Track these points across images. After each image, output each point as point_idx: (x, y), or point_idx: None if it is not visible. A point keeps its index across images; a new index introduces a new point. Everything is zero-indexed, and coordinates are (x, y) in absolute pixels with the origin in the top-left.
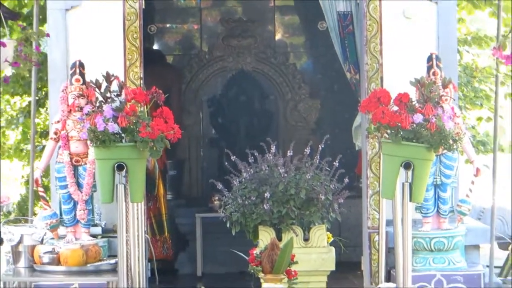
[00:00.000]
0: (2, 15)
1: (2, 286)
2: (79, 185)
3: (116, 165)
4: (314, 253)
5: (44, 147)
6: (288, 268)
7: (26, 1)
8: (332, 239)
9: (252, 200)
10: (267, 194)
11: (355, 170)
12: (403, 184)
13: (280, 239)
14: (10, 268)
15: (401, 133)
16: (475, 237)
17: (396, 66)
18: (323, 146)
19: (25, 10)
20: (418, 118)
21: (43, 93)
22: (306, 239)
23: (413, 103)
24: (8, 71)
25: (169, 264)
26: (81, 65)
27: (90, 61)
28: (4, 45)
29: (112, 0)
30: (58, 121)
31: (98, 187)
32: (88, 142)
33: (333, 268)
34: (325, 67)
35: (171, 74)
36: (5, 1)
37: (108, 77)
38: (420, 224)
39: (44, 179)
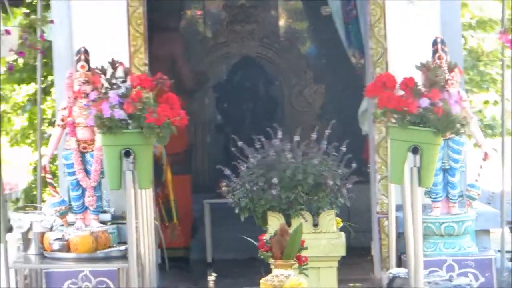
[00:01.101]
0: (5, 1)
1: (13, 273)
2: (87, 172)
3: (123, 151)
4: (324, 238)
5: (50, 134)
6: (298, 253)
7: None
8: (342, 224)
9: (260, 186)
10: (274, 180)
11: (363, 155)
12: (411, 169)
13: (289, 224)
14: (20, 256)
15: (408, 117)
16: (485, 222)
17: (401, 50)
18: (329, 131)
19: None
20: (425, 102)
21: (49, 81)
22: (315, 225)
23: (419, 87)
24: (12, 58)
25: (179, 251)
26: (86, 52)
27: (95, 48)
28: (9, 32)
29: None
30: (65, 108)
31: (105, 174)
32: (95, 128)
33: (343, 253)
34: (329, 52)
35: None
36: None
37: (113, 64)
38: (430, 209)
39: (51, 165)
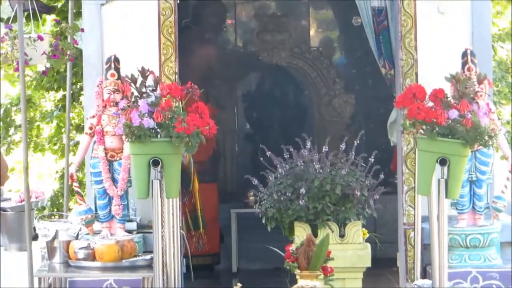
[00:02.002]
0: (37, 9)
1: (37, 281)
2: (114, 181)
3: (151, 160)
4: (350, 249)
5: (77, 141)
6: (324, 264)
7: None
8: (368, 235)
9: (287, 196)
10: (302, 190)
11: (391, 166)
12: (439, 180)
13: (315, 235)
14: (45, 264)
15: (437, 129)
16: (511, 234)
17: (431, 61)
18: (358, 142)
19: (58, 4)
20: (454, 114)
21: (78, 87)
22: (341, 236)
23: (449, 99)
24: (45, 64)
25: (205, 258)
26: (116, 60)
27: (125, 56)
28: (41, 38)
29: None
30: (93, 116)
31: (133, 183)
32: (124, 137)
33: (369, 264)
34: (359, 62)
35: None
36: None
37: (144, 72)
38: (456, 220)
39: (79, 174)
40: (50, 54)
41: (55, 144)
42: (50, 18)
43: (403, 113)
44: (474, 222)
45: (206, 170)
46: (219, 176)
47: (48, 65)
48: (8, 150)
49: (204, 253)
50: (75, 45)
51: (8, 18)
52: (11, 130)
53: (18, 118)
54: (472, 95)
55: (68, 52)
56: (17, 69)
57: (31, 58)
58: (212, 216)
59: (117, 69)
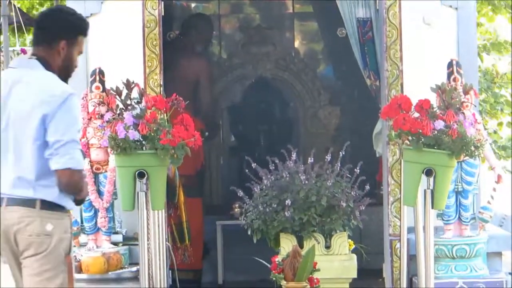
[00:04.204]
0: (22, 22)
1: None
2: (99, 193)
3: (137, 172)
4: (336, 260)
5: None
6: (311, 275)
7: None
8: (354, 246)
9: (273, 208)
10: (288, 201)
11: (376, 177)
12: (424, 191)
13: (301, 246)
14: None
15: (423, 139)
16: (497, 244)
17: (416, 72)
18: (343, 153)
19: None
20: (440, 124)
21: None
22: (327, 247)
23: (434, 109)
24: None
25: (190, 272)
26: (101, 73)
27: (110, 69)
28: (24, 52)
29: (131, 7)
30: None
31: (119, 195)
32: (109, 149)
33: (354, 275)
34: (344, 73)
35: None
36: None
37: (129, 85)
38: (442, 231)
39: None
40: None
41: None
42: None
43: (389, 124)
44: (460, 232)
45: (191, 184)
46: (204, 189)
47: None
48: None
49: (190, 267)
50: None
51: None
52: None
53: None
54: (458, 106)
55: None
56: None
57: None
58: (196, 231)
59: (102, 82)
